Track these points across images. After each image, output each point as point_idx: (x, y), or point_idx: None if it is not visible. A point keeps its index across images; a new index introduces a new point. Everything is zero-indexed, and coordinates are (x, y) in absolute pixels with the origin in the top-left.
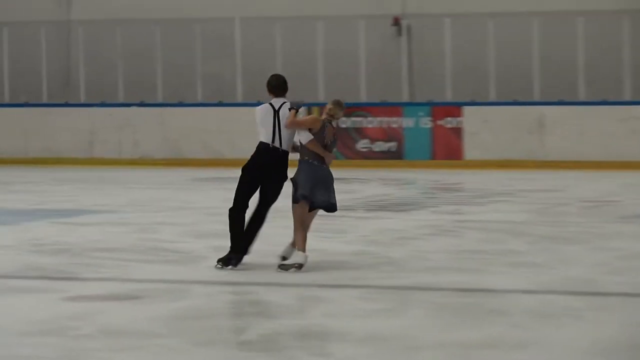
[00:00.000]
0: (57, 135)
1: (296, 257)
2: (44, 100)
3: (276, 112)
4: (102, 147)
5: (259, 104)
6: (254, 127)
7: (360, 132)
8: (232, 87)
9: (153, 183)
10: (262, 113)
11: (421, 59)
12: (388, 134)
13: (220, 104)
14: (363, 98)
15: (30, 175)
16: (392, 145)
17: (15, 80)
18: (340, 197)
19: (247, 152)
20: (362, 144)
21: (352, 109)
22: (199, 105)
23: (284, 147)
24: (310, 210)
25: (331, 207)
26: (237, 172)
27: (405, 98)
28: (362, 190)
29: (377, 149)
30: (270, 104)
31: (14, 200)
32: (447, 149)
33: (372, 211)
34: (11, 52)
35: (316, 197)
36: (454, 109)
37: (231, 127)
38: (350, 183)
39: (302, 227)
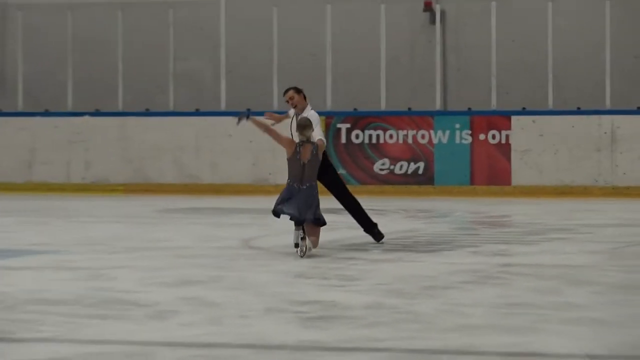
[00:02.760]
0: None
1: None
2: None
3: None
4: (44, 169)
5: (244, 112)
6: (239, 143)
7: (378, 150)
8: (213, 91)
9: (110, 215)
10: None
11: (458, 54)
12: (414, 152)
13: (198, 113)
14: (382, 105)
15: None
16: (419, 166)
17: None
18: (352, 234)
19: (230, 175)
20: (380, 165)
21: (368, 119)
22: (171, 115)
23: None
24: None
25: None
26: (219, 201)
27: (437, 105)
28: (380, 224)
29: (399, 172)
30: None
31: None
32: (490, 172)
33: (393, 252)
34: None
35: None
36: (500, 119)
37: (212, 144)
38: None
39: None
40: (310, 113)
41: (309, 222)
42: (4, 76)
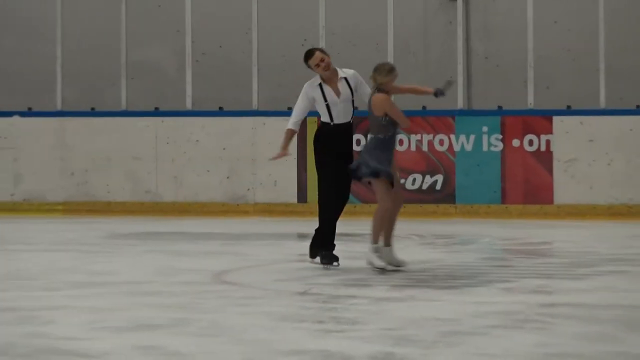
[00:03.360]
0: None
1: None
2: None
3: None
4: None
5: (219, 113)
6: (209, 151)
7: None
8: (177, 86)
9: (46, 242)
10: None
11: (487, 39)
12: (430, 163)
13: (157, 113)
14: None
15: None
16: (436, 180)
17: None
18: (352, 265)
19: (198, 191)
20: None
21: None
22: (123, 115)
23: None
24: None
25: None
26: (184, 225)
27: (459, 104)
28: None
29: (411, 187)
30: None
31: None
32: (527, 187)
33: (404, 288)
34: None
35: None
36: (539, 120)
37: (175, 152)
38: (368, 242)
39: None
40: (351, 72)
41: (363, 175)
42: None
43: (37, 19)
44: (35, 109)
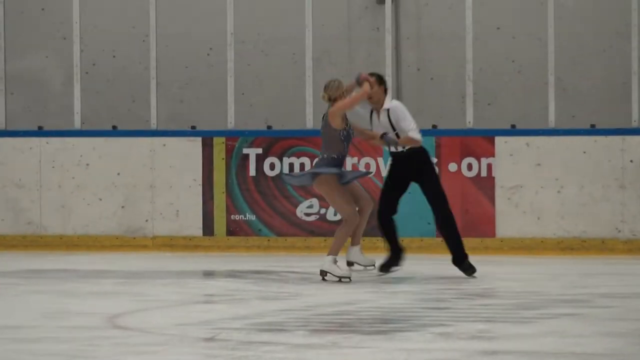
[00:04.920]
0: None
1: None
2: None
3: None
4: None
5: (112, 132)
6: (101, 176)
7: (303, 186)
8: (63, 101)
9: None
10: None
11: (419, 48)
12: None
13: (40, 133)
14: (308, 121)
15: None
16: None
17: None
18: (265, 307)
19: (89, 222)
20: (305, 208)
21: (288, 141)
22: (1, 135)
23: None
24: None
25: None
26: (72, 261)
27: None
28: (307, 294)
29: (333, 217)
30: None
31: None
32: (465, 217)
33: (324, 333)
34: None
35: None
36: (479, 141)
37: (62, 177)
38: (284, 280)
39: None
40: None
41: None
42: None
43: None
44: None
